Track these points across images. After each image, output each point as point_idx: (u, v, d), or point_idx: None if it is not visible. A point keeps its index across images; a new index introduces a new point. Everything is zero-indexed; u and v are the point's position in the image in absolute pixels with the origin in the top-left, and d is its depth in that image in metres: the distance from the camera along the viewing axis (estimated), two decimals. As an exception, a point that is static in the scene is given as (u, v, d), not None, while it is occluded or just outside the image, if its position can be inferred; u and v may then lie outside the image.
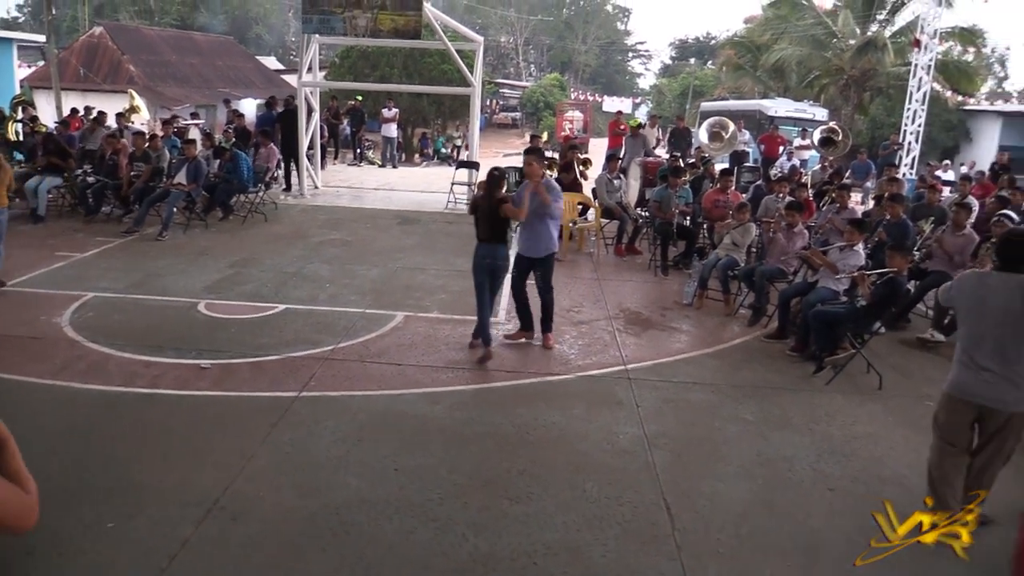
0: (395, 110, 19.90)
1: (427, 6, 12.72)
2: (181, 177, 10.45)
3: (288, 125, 13.90)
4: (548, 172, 11.56)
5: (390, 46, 20.89)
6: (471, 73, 13.51)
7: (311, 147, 14.59)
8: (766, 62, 29.52)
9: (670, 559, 3.73)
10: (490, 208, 6.13)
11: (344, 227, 11.40)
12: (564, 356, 6.45)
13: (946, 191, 11.80)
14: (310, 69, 14.72)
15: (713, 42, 52.00)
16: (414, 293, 8.04)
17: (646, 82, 63.01)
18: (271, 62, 38.24)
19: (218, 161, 11.46)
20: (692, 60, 57.09)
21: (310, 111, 14.20)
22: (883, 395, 5.98)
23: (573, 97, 39.27)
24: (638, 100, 46.30)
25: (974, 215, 9.06)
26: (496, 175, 6.25)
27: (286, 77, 31.88)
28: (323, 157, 16.71)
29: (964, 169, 18.90)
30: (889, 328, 7.41)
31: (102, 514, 3.82)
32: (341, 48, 24.04)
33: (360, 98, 21.10)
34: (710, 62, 50.97)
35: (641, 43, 66.77)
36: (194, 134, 14.61)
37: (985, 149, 23.42)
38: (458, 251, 10.12)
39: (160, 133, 13.54)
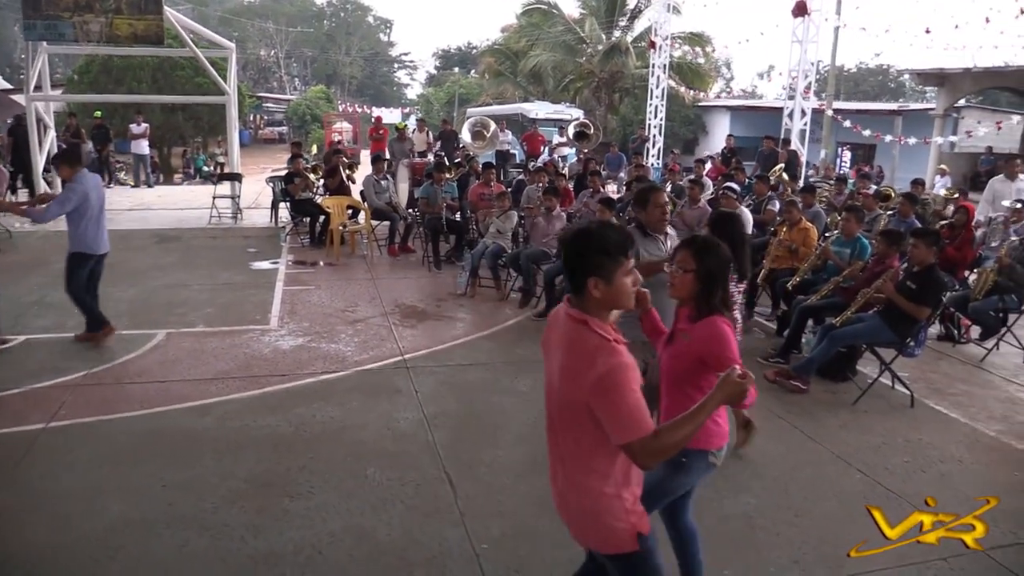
0: (144, 126, 18.46)
1: (170, 11, 12.01)
2: None
3: (19, 145, 12.53)
4: (312, 176, 11.48)
5: (135, 57, 19.48)
6: (224, 81, 12.95)
7: (47, 169, 13.23)
8: (524, 68, 30.95)
9: (454, 525, 3.83)
10: None
11: (93, 250, 10.44)
12: (340, 354, 6.38)
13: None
14: (39, 86, 13.37)
15: (474, 51, 53.53)
16: (177, 310, 7.57)
17: (413, 92, 63.59)
18: (-4, 81, 34.02)
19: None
20: (456, 69, 58.23)
21: (44, 130, 12.90)
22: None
23: (341, 109, 38.74)
24: (407, 110, 46.58)
25: (708, 191, 10.13)
26: None
27: (16, 97, 28.51)
28: (64, 179, 15.19)
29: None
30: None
31: None
32: (80, 61, 22.02)
33: (99, 113, 19.33)
34: (473, 70, 52.43)
35: (405, 54, 67.13)
36: None
37: (719, 139, 26.07)
38: (224, 264, 9.72)
39: None
